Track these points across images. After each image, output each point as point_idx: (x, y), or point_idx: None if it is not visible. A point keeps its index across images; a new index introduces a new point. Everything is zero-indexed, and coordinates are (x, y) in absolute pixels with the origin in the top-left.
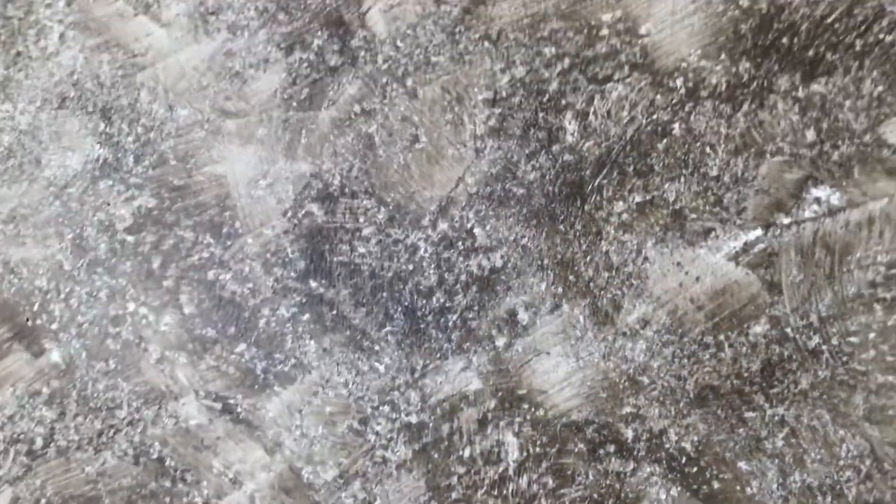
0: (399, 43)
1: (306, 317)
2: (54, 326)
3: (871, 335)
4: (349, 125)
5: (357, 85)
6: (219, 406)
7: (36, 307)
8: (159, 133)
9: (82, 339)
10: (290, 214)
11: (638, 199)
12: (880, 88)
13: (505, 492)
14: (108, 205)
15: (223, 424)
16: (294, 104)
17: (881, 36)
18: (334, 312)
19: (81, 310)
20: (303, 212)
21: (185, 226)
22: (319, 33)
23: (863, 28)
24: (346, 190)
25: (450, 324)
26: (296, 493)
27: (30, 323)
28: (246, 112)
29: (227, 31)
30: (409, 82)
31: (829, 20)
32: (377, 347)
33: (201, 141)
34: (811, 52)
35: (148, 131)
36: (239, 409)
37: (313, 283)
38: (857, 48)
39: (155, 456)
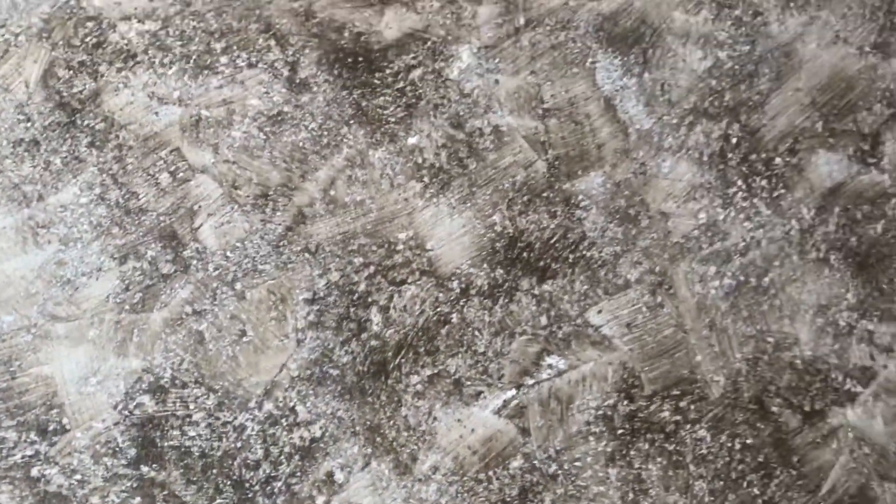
0: (229, 254)
1: (137, 500)
2: None
3: (588, 459)
4: (180, 324)
5: (189, 289)
6: None
7: None
8: None
9: None
10: (120, 407)
11: (428, 372)
12: (585, 287)
13: None
14: None
15: None
16: (126, 307)
17: (584, 252)
18: (165, 493)
19: None
20: (134, 403)
21: (7, 426)
22: (153, 245)
23: (573, 246)
24: (177, 381)
25: (275, 490)
26: None
27: None
28: (77, 316)
29: (59, 243)
30: (238, 286)
31: (553, 241)
32: None
33: (27, 344)
34: (542, 263)
35: None
36: None
37: (144, 468)
38: (570, 259)
39: None
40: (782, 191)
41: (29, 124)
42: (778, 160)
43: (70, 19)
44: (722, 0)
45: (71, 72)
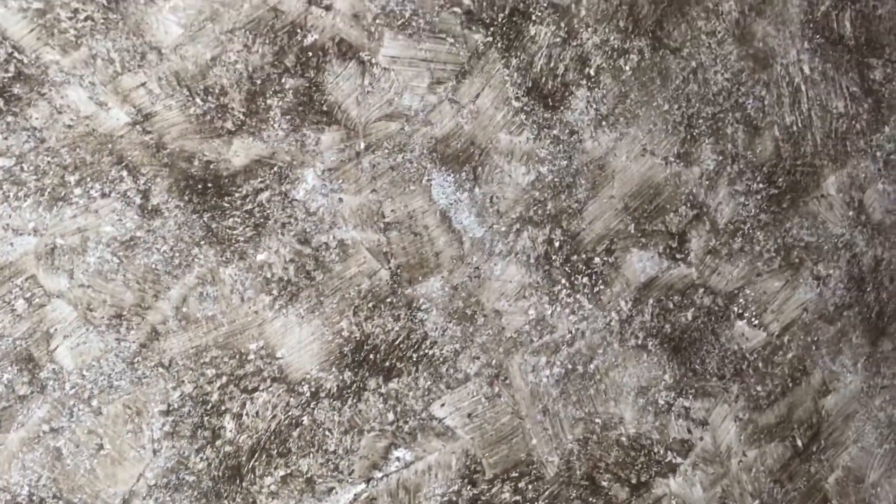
0: (85, 372)
1: None
2: None
3: None
4: (38, 442)
5: (46, 408)
6: None
7: None
8: None
9: None
10: None
11: (281, 473)
12: (429, 382)
13: None
14: None
15: None
16: None
17: (427, 351)
18: None
19: None
20: None
21: None
22: (9, 368)
23: (416, 346)
24: (34, 497)
25: None
26: None
27: None
28: None
29: None
30: (95, 403)
31: (397, 342)
32: None
33: None
34: (387, 363)
35: None
36: None
37: None
38: (414, 358)
39: None
40: (602, 286)
41: None
42: (597, 259)
43: None
44: (541, 122)
45: None
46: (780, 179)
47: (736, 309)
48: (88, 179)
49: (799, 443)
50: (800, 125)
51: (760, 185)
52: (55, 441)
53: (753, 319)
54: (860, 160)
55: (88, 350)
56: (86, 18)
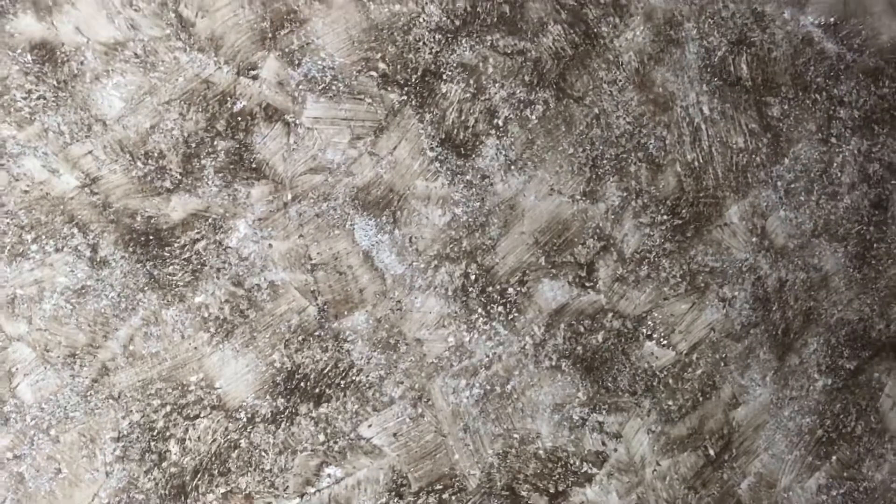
0: (44, 405)
1: None
2: None
3: None
4: (2, 467)
5: (9, 438)
6: None
7: None
8: None
9: None
10: None
11: (222, 490)
12: (356, 406)
13: None
14: None
15: None
16: None
17: (354, 378)
18: None
19: None
20: None
21: None
22: None
23: (344, 374)
24: None
25: None
26: None
27: None
28: None
29: None
30: (53, 432)
31: (326, 371)
32: None
33: None
34: (317, 390)
35: None
36: None
37: None
38: (342, 385)
39: None
40: (516, 314)
41: None
42: (510, 290)
43: None
44: (454, 168)
45: None
46: (684, 211)
47: (644, 330)
48: (43, 237)
49: (711, 452)
50: (701, 161)
51: (664, 217)
52: (18, 467)
53: (662, 340)
54: (761, 190)
55: (46, 386)
56: (38, 97)
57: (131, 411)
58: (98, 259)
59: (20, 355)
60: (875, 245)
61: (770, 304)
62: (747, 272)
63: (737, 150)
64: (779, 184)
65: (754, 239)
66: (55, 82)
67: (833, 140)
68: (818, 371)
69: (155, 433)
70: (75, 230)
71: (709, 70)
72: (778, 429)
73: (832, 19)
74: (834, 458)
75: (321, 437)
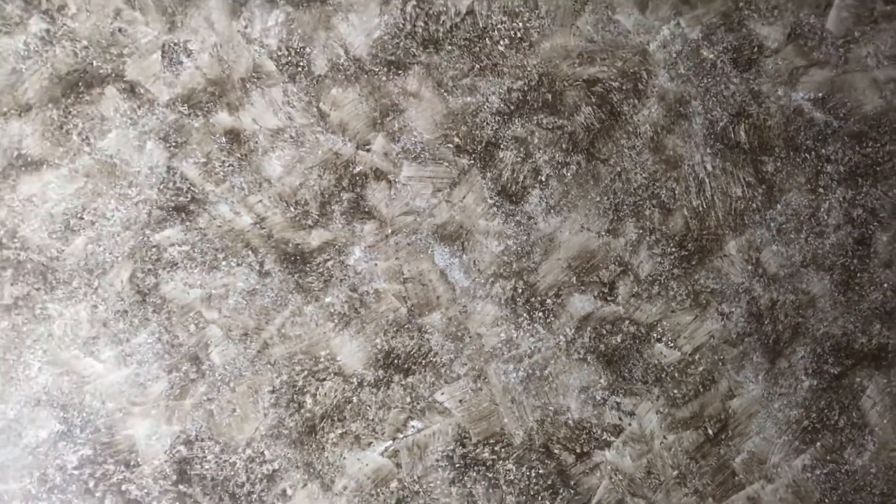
0: (226, 367)
1: None
2: None
3: (438, 482)
4: (200, 406)
5: (205, 387)
6: None
7: None
8: None
9: None
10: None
11: (340, 431)
12: (433, 379)
13: None
14: None
15: None
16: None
17: (432, 359)
18: None
19: None
20: (176, 450)
21: None
22: (186, 364)
23: (425, 356)
24: (198, 436)
25: (252, 500)
26: None
27: None
28: None
29: None
30: (231, 384)
31: (412, 353)
32: None
33: None
34: (406, 366)
35: None
36: None
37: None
38: (423, 363)
39: None
40: (552, 318)
41: None
42: (548, 301)
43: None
44: (508, 211)
45: None
46: (690, 245)
47: (655, 335)
48: (230, 256)
49: (710, 432)
50: (704, 206)
51: (673, 249)
52: (209, 406)
53: (669, 342)
54: (756, 229)
55: (228, 354)
56: (228, 165)
57: (281, 373)
58: (263, 271)
59: (213, 333)
60: (858, 274)
61: (763, 318)
62: (743, 293)
63: (735, 198)
64: (772, 224)
65: (749, 267)
66: (239, 155)
67: (821, 190)
68: (805, 374)
69: (296, 389)
70: (250, 252)
71: (712, 137)
72: (768, 417)
73: (821, 94)
74: (818, 444)
75: (408, 399)
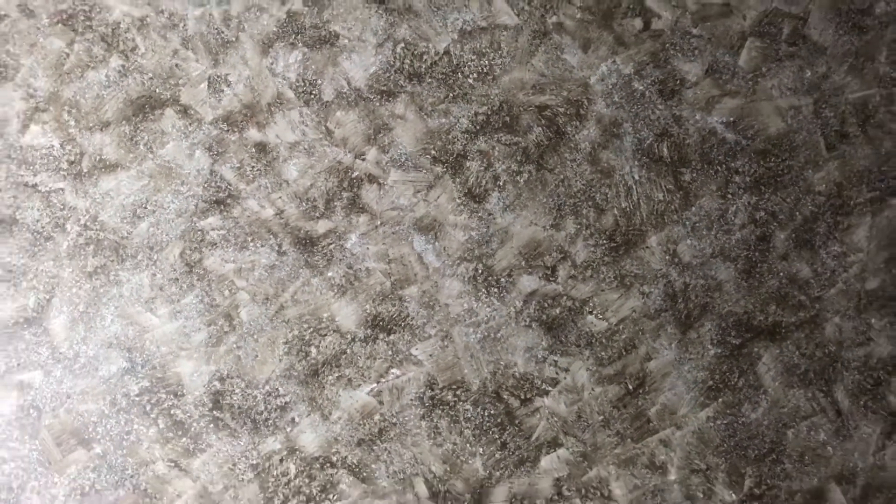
0: (251, 323)
1: None
2: None
3: (411, 417)
4: (231, 352)
5: (235, 338)
6: None
7: None
8: None
9: None
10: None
11: (336, 374)
12: (408, 338)
13: None
14: None
15: None
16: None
17: (409, 322)
18: None
19: None
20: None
21: None
22: (220, 320)
23: (404, 319)
24: (228, 374)
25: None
26: None
27: None
28: None
29: None
30: (255, 337)
31: (395, 316)
32: None
33: None
34: (389, 326)
35: None
36: None
37: None
38: (403, 325)
39: None
40: (505, 294)
41: None
42: (503, 280)
43: None
44: (472, 209)
45: None
46: (618, 238)
47: (587, 309)
48: (256, 239)
49: (630, 386)
50: (631, 207)
51: (604, 241)
52: (238, 352)
53: (599, 315)
54: (674, 227)
55: (252, 313)
56: (256, 170)
57: (293, 329)
58: (281, 251)
59: (242, 297)
60: (758, 265)
61: (677, 298)
62: (661, 277)
63: (657, 202)
64: (687, 223)
65: (667, 257)
66: (265, 162)
67: (729, 196)
68: (711, 343)
69: (304, 342)
70: (271, 236)
71: (639, 152)
72: (679, 377)
73: (732, 118)
74: (720, 400)
75: (389, 352)
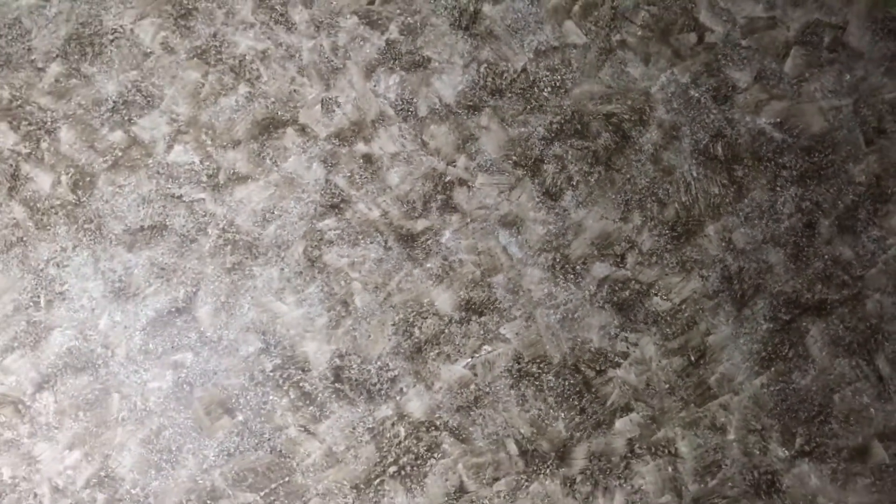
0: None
1: None
2: None
3: (501, 385)
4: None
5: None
6: None
7: None
8: None
9: None
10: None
11: (436, 352)
12: (497, 318)
13: None
14: None
15: None
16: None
17: (498, 305)
18: None
19: None
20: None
21: None
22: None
23: (493, 303)
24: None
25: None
26: None
27: None
28: None
29: None
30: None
31: (486, 301)
32: None
33: None
34: (481, 310)
35: None
36: None
37: None
38: (491, 308)
39: None
40: (580, 279)
41: None
42: (578, 267)
43: None
44: (549, 205)
45: None
46: (679, 228)
47: (653, 291)
48: (366, 237)
49: (692, 358)
50: (690, 201)
51: (667, 231)
52: (354, 333)
53: (664, 296)
54: (729, 217)
55: (365, 300)
56: (364, 177)
57: (399, 313)
58: (387, 247)
59: (355, 286)
60: (805, 249)
61: (732, 280)
62: (718, 262)
63: (713, 195)
64: (740, 213)
65: (723, 244)
66: (371, 171)
67: (778, 188)
68: (763, 319)
69: (408, 324)
70: (378, 234)
71: (696, 152)
72: (736, 349)
73: (779, 119)
74: (773, 369)
75: (481, 332)
